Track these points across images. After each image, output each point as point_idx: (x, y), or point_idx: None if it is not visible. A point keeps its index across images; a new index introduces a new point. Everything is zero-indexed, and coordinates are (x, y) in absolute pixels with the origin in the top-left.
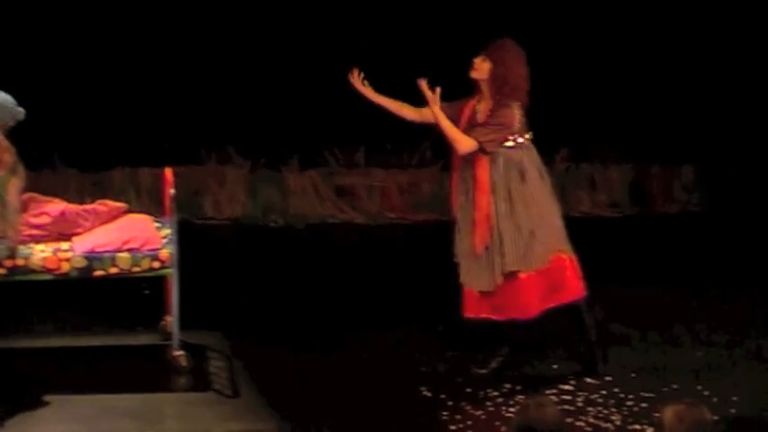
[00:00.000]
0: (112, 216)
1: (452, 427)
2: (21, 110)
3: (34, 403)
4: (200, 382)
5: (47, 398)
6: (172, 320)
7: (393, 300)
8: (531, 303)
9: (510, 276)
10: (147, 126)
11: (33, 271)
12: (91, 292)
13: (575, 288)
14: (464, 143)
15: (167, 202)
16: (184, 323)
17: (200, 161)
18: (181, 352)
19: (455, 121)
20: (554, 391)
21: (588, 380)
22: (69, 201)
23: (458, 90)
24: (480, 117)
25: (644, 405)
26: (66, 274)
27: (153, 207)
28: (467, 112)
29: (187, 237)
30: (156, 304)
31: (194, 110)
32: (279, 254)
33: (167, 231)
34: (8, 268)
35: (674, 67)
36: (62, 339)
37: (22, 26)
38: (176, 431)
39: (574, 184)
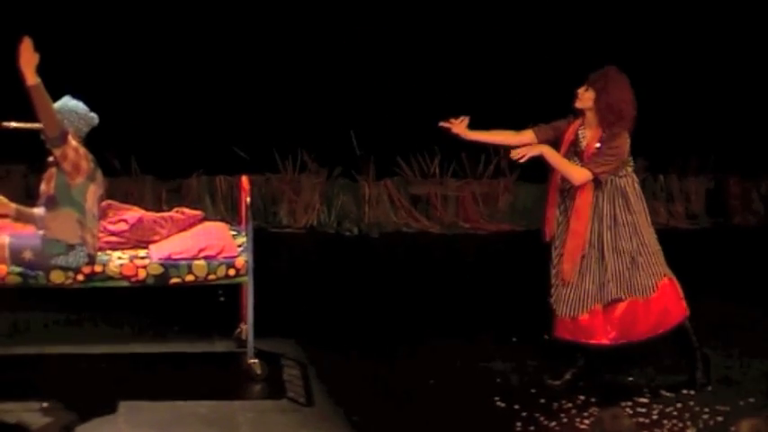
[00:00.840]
0: (189, 224)
1: None
2: (94, 115)
3: (110, 408)
4: (274, 389)
5: (122, 403)
6: (247, 328)
7: (467, 310)
8: (638, 328)
9: (616, 302)
10: (225, 134)
11: (111, 278)
12: (167, 299)
13: (680, 309)
14: (578, 175)
15: (243, 210)
16: (259, 331)
17: (277, 169)
18: (256, 360)
19: (555, 143)
20: (629, 403)
21: (664, 392)
22: (146, 208)
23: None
24: (585, 144)
25: (719, 419)
26: (142, 281)
27: (229, 215)
28: (569, 137)
29: (262, 245)
30: (231, 312)
31: (271, 118)
32: (353, 262)
33: (243, 239)
34: (86, 275)
35: (754, 78)
36: (138, 346)
37: (103, 33)
38: None
39: (650, 195)
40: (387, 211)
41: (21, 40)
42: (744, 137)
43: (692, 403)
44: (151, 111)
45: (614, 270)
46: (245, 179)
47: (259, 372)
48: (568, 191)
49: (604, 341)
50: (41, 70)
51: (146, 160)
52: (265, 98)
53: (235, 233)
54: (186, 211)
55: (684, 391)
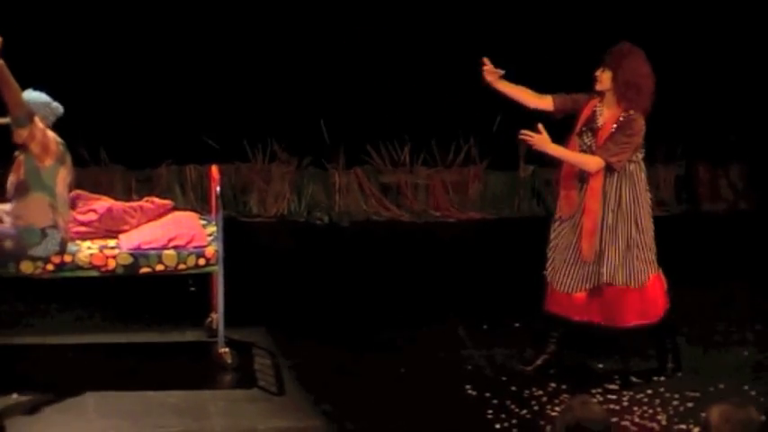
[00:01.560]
0: (159, 213)
1: (497, 426)
2: (58, 105)
3: (80, 399)
4: (245, 379)
5: (92, 393)
6: (217, 317)
7: (437, 298)
8: (625, 316)
9: (607, 286)
10: (194, 123)
11: (80, 268)
12: (137, 288)
13: (663, 302)
14: (592, 164)
15: (213, 200)
16: (230, 320)
17: (247, 158)
18: (226, 349)
19: (572, 115)
20: (599, 389)
21: (633, 379)
22: (116, 197)
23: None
24: (602, 122)
25: (690, 405)
26: (112, 271)
27: (199, 204)
28: (586, 112)
29: (233, 234)
30: (201, 301)
31: (241, 107)
32: (324, 251)
33: (213, 229)
34: (55, 264)
35: (722, 66)
36: (108, 336)
37: (71, 22)
38: (221, 428)
39: None
40: (357, 200)
41: None
42: (712, 124)
43: (662, 389)
44: (120, 100)
45: (609, 253)
46: (214, 168)
47: (230, 361)
48: (581, 174)
49: (594, 320)
50: (8, 60)
51: (115, 150)
52: (235, 87)
53: (205, 222)
54: (156, 200)
55: (654, 378)
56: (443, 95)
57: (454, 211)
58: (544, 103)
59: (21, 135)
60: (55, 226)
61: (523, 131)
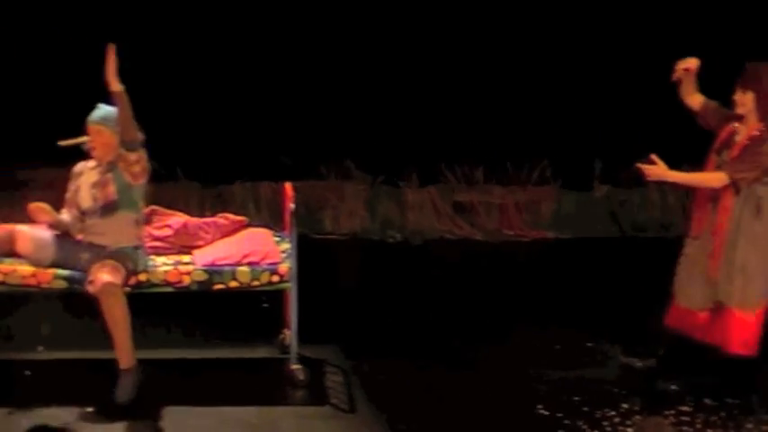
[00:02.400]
0: (233, 229)
1: None
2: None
3: (154, 414)
4: (317, 396)
5: (166, 408)
6: (290, 334)
7: (510, 317)
8: (731, 342)
9: (722, 307)
10: (269, 141)
11: (155, 284)
12: (211, 305)
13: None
14: (715, 181)
15: (287, 217)
16: (302, 337)
17: (320, 176)
18: (299, 366)
19: (716, 128)
20: (672, 411)
21: (707, 401)
22: (191, 214)
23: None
24: (738, 138)
25: (765, 428)
26: (186, 288)
27: (272, 221)
28: (727, 130)
29: (306, 251)
30: (274, 318)
31: (316, 125)
32: (396, 269)
33: (287, 246)
34: (133, 283)
35: None
36: (182, 351)
37: (150, 42)
38: None
39: None
40: (430, 218)
41: (106, 47)
42: None
43: (736, 412)
44: (196, 118)
45: (726, 275)
46: (288, 186)
47: (302, 378)
48: (714, 193)
49: (710, 342)
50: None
51: (191, 167)
52: (311, 105)
53: (278, 239)
54: (230, 216)
55: (729, 401)
56: (518, 115)
57: (527, 230)
58: (696, 101)
59: (130, 158)
60: (140, 242)
61: (639, 165)
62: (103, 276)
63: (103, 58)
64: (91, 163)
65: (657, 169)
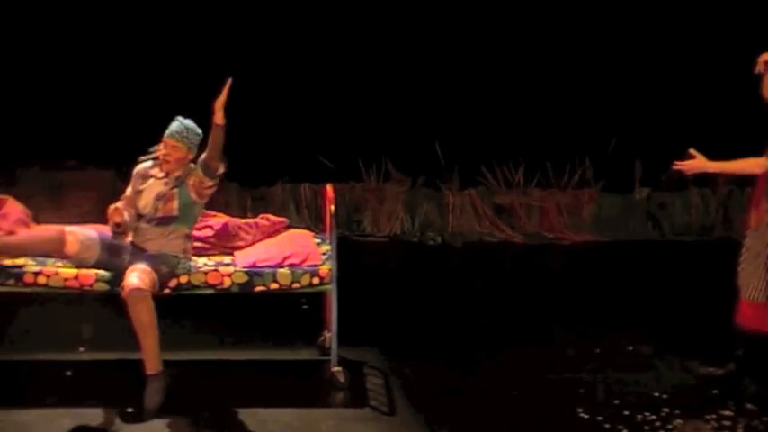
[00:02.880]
0: (274, 230)
1: None
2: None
3: (193, 414)
4: (356, 398)
5: (205, 410)
6: (330, 336)
7: (550, 319)
8: None
9: None
10: (309, 142)
11: (196, 286)
12: (251, 306)
13: None
14: (756, 167)
15: (328, 219)
16: (342, 339)
17: (361, 178)
18: (339, 368)
19: None
20: (713, 416)
21: (749, 406)
22: (231, 215)
23: None
24: None
25: None
26: (227, 289)
27: (313, 223)
28: None
29: (346, 253)
30: (314, 320)
31: (356, 127)
32: (436, 271)
33: (327, 247)
34: (173, 285)
35: None
36: (222, 353)
37: (192, 44)
38: None
39: (737, 207)
40: (470, 221)
41: (225, 82)
42: None
43: None
44: (236, 119)
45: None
46: (329, 187)
47: (342, 380)
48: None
49: None
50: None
51: (231, 168)
52: (350, 107)
53: (319, 241)
54: (272, 217)
55: None
56: (559, 117)
57: (568, 232)
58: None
59: (207, 183)
60: (186, 253)
61: (677, 162)
62: (132, 281)
63: (141, 63)
64: (156, 170)
65: (697, 162)
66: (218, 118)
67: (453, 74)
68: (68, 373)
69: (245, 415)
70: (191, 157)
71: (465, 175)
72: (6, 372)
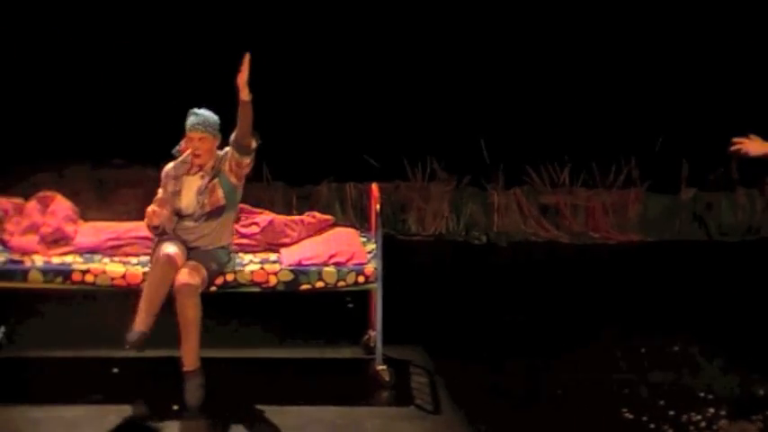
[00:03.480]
0: (320, 228)
1: None
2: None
3: (239, 413)
4: (401, 397)
5: (251, 408)
6: (375, 335)
7: (594, 319)
8: None
9: None
10: (355, 141)
11: (242, 284)
12: (295, 304)
13: None
14: None
15: (373, 217)
16: (387, 338)
17: (406, 177)
18: (384, 366)
19: None
20: (759, 417)
21: None
22: (277, 213)
23: None
24: None
25: None
26: (273, 288)
27: (358, 222)
28: None
29: (391, 252)
30: (359, 318)
31: (401, 126)
32: (482, 271)
33: (372, 246)
34: (220, 282)
35: None
36: (267, 351)
37: (238, 44)
38: None
39: None
40: (516, 220)
41: (243, 56)
42: None
43: None
44: (282, 118)
45: None
46: (374, 186)
47: (387, 379)
48: None
49: None
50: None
51: (277, 167)
52: (395, 106)
53: (364, 240)
54: (317, 215)
55: None
56: (605, 117)
57: (613, 232)
58: None
59: (244, 162)
60: (232, 239)
61: (735, 139)
62: (182, 277)
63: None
64: (185, 169)
65: (756, 143)
66: (245, 94)
67: (500, 73)
68: (115, 371)
69: (290, 413)
70: (217, 143)
71: (510, 175)
72: (55, 369)
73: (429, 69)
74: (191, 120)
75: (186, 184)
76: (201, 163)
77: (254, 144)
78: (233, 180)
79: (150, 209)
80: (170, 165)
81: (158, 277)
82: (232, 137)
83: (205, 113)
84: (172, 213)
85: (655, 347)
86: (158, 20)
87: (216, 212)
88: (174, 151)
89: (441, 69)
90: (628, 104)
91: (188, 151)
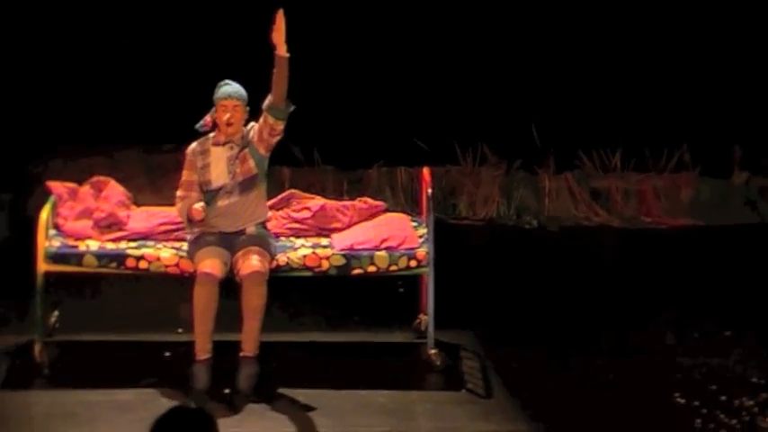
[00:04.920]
0: (371, 213)
1: None
2: None
3: (290, 396)
4: (452, 381)
5: (303, 391)
6: (426, 319)
7: (647, 304)
8: None
9: None
10: (405, 125)
11: (294, 268)
12: (347, 288)
13: None
14: None
15: (424, 202)
16: (438, 322)
17: (457, 161)
18: (435, 350)
19: None
20: None
21: None
22: (327, 198)
23: None
24: None
25: None
26: (325, 272)
27: (408, 206)
28: None
29: (442, 236)
30: (411, 303)
31: (452, 110)
32: (533, 255)
33: (424, 231)
34: (273, 267)
35: None
36: (319, 335)
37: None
38: (427, 429)
39: None
40: (567, 205)
41: (275, 13)
42: None
43: None
44: (333, 103)
45: None
46: (426, 171)
47: (438, 363)
48: None
49: None
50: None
51: (328, 151)
52: (446, 90)
53: (416, 224)
54: (369, 200)
55: None
56: (656, 101)
57: (665, 217)
58: None
59: (278, 127)
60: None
61: None
62: (253, 263)
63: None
64: (211, 142)
65: None
66: (282, 50)
67: (551, 57)
68: (167, 354)
69: (342, 396)
70: (246, 116)
71: (561, 159)
72: (108, 352)
73: (482, 53)
74: (225, 89)
75: (213, 158)
76: (234, 131)
77: (290, 107)
78: (261, 151)
79: (196, 207)
80: (193, 143)
81: (203, 300)
82: (266, 101)
83: (234, 84)
84: (200, 195)
85: (707, 332)
86: (213, 6)
87: (249, 183)
88: (198, 126)
89: (493, 53)
90: (680, 88)
91: (222, 119)
